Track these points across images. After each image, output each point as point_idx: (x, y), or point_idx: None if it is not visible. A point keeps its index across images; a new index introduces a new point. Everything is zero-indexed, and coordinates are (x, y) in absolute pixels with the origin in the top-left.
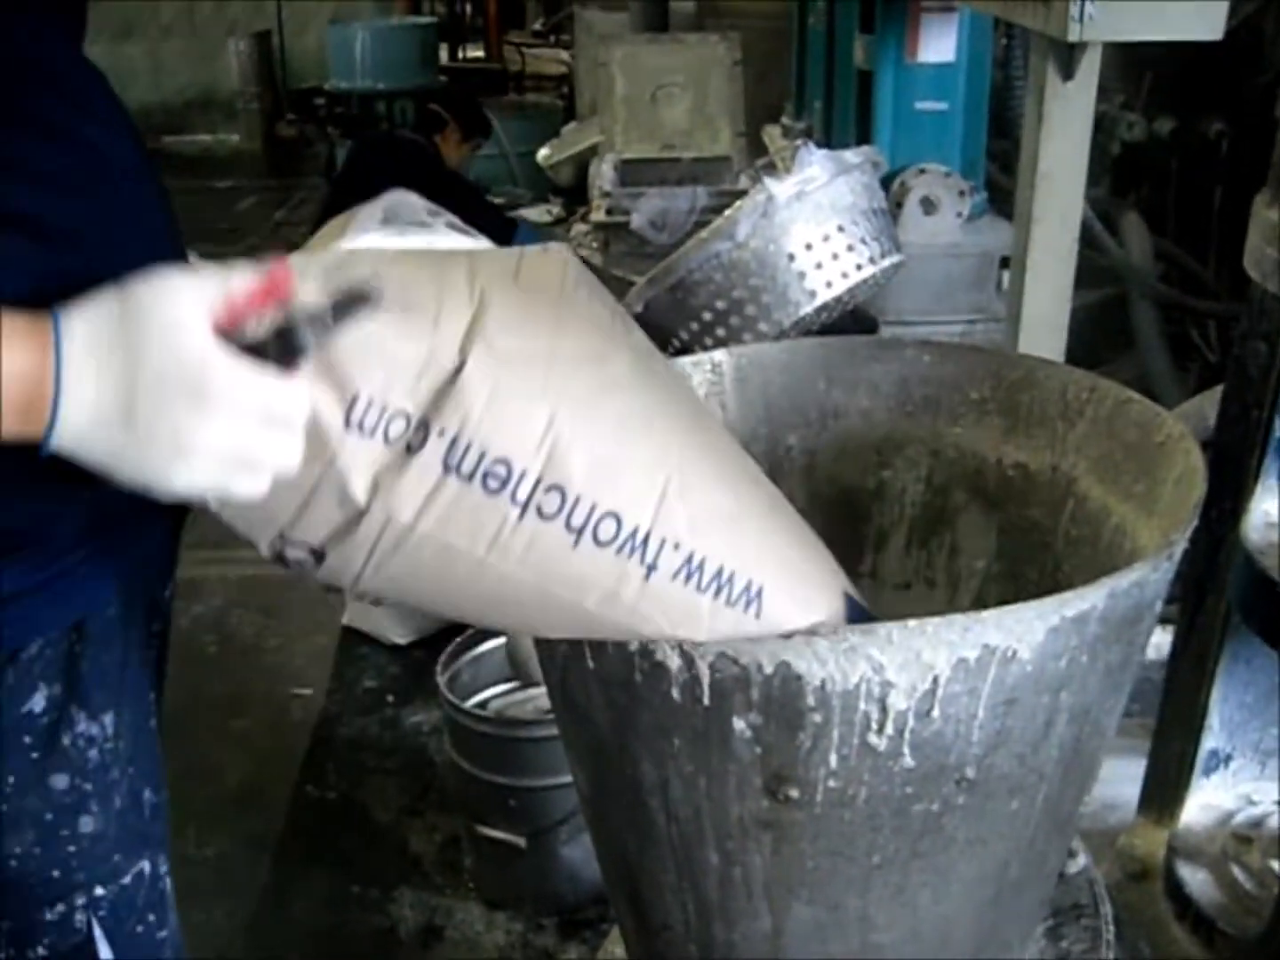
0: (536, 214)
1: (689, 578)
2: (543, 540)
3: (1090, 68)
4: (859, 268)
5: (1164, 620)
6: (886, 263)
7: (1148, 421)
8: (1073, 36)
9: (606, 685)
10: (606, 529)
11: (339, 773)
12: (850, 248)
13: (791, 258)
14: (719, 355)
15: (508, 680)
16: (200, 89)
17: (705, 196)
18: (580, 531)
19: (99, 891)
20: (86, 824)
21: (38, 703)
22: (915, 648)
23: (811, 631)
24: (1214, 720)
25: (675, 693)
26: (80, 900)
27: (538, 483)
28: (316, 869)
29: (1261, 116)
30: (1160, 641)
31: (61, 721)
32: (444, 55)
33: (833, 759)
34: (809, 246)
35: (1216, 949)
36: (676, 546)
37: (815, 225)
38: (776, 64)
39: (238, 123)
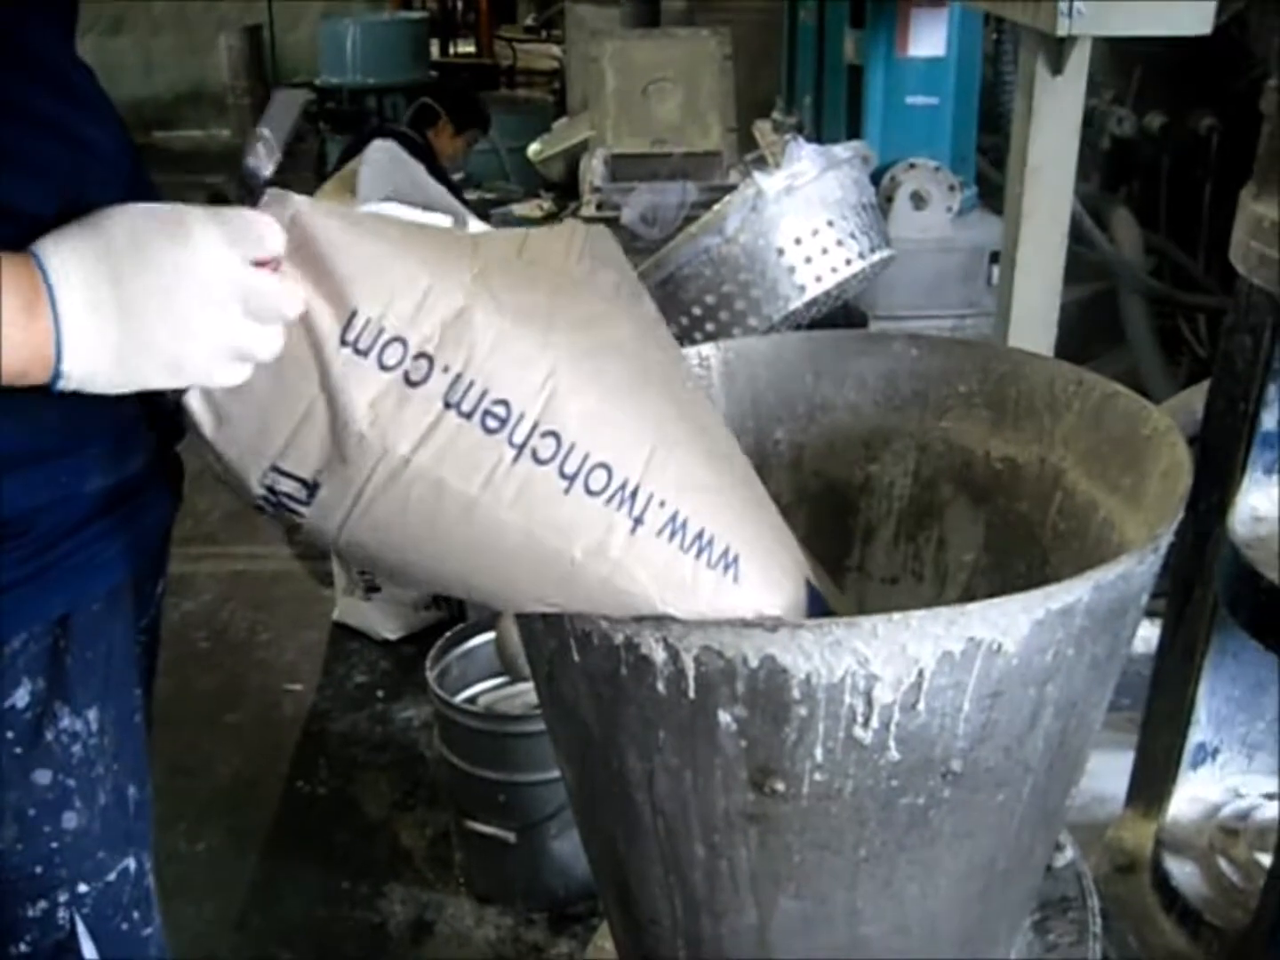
0: (527, 209)
1: (673, 535)
2: (535, 484)
3: (1080, 62)
4: (848, 262)
5: (1151, 614)
6: (876, 257)
7: (1134, 415)
8: (1062, 31)
9: (592, 679)
10: (598, 479)
11: (329, 768)
12: (839, 242)
13: (781, 252)
14: (706, 349)
15: (497, 675)
16: (191, 84)
17: (695, 192)
18: (572, 479)
19: (82, 888)
20: (70, 820)
21: (21, 697)
22: (900, 641)
23: (797, 624)
24: (1201, 714)
25: (660, 686)
26: (63, 897)
27: (535, 426)
28: (307, 864)
29: (1251, 111)
30: (1148, 635)
31: (45, 716)
32: (435, 50)
33: (818, 752)
34: (798, 241)
35: (1203, 941)
36: (662, 504)
37: (804, 220)
38: (767, 59)
39: (228, 118)
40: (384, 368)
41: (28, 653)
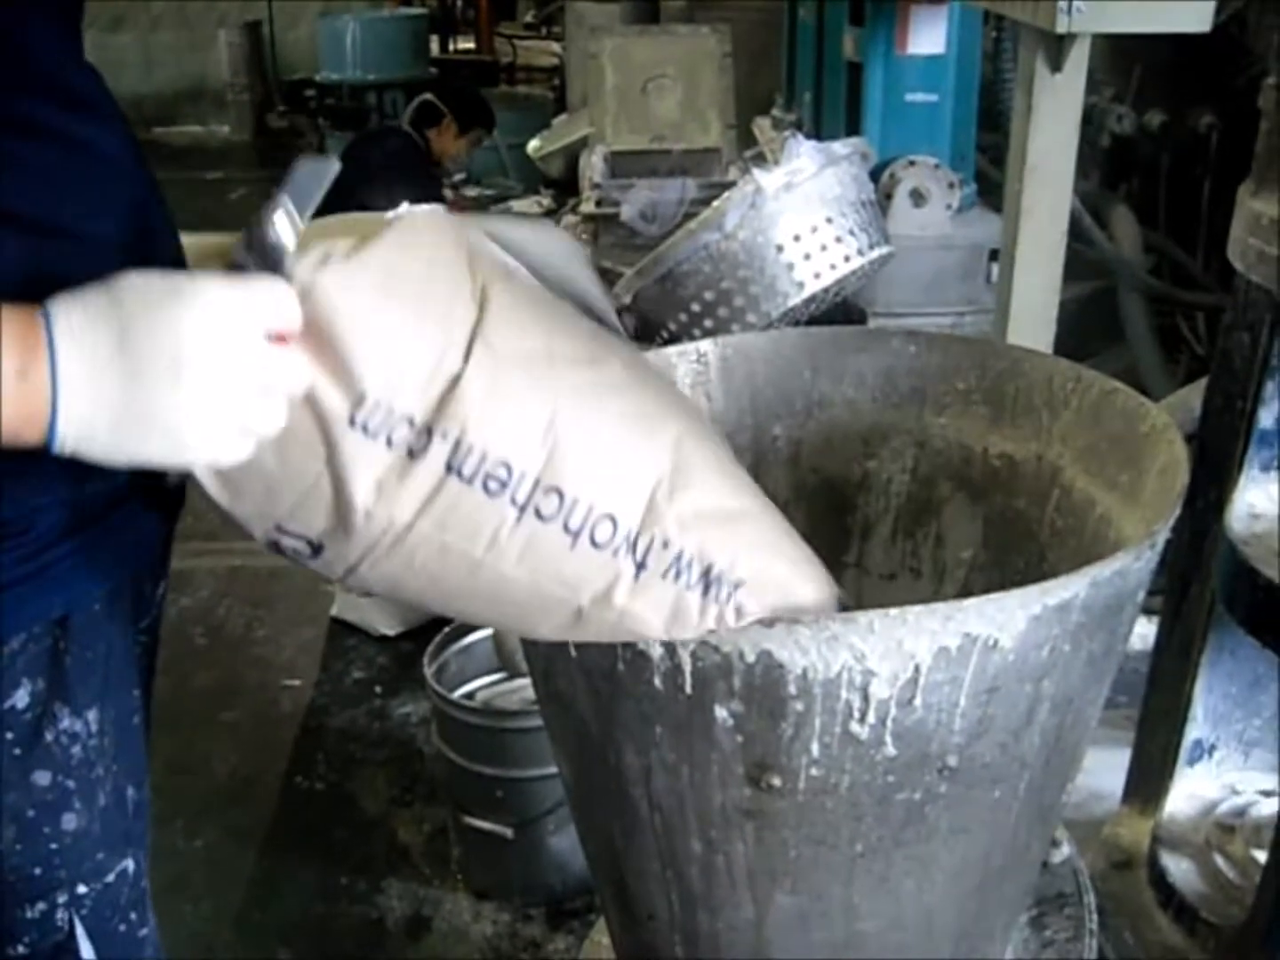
0: (527, 205)
1: (678, 576)
2: (539, 541)
3: (1079, 60)
4: (847, 259)
5: (1149, 611)
6: (875, 254)
7: (1132, 412)
8: (1061, 28)
9: (589, 675)
10: (602, 531)
11: (327, 764)
12: (838, 239)
13: (780, 249)
14: (705, 345)
15: (495, 671)
16: (191, 80)
17: (695, 188)
18: (577, 534)
19: (81, 890)
20: (69, 821)
21: (20, 698)
22: (897, 636)
23: (793, 620)
24: (1198, 710)
25: (658, 681)
26: (62, 898)
27: (536, 484)
28: (305, 860)
29: (1251, 109)
30: (1145, 632)
31: (44, 717)
32: (435, 47)
33: (815, 747)
34: (797, 238)
35: (1199, 938)
36: (666, 544)
37: (803, 217)
38: (767, 56)
39: (228, 114)
40: (390, 445)
41: (27, 653)
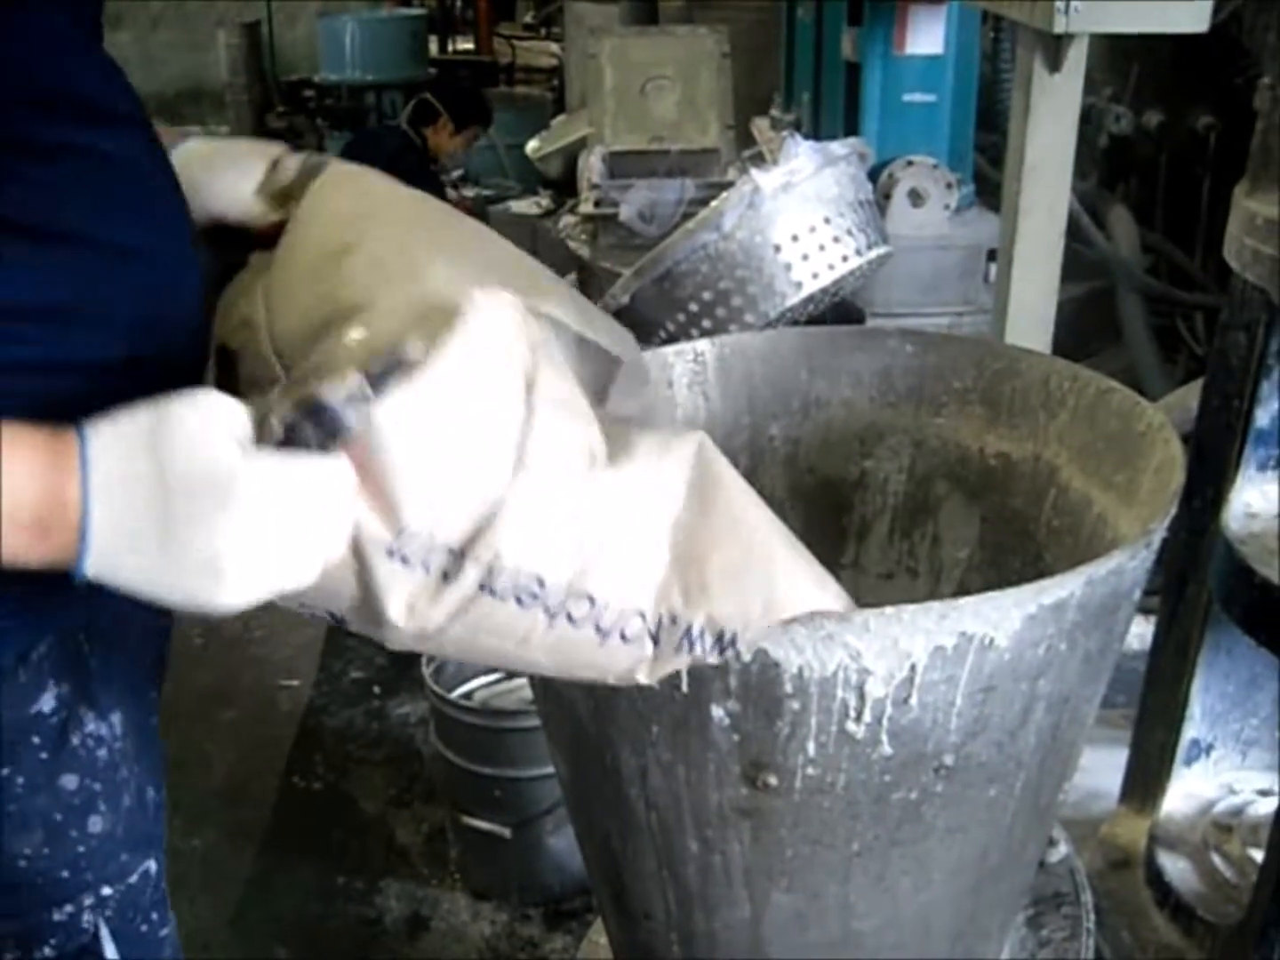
0: (525, 206)
1: (691, 647)
2: (570, 640)
3: (1077, 60)
4: (845, 259)
5: (1146, 610)
6: (873, 254)
7: (1128, 411)
8: (1059, 28)
9: None
10: (633, 626)
11: (325, 764)
12: (837, 239)
13: (778, 249)
14: (702, 345)
15: (493, 671)
16: (190, 80)
17: (693, 188)
18: (607, 633)
19: (106, 891)
20: (95, 824)
21: (47, 702)
22: (892, 635)
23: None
24: (1195, 710)
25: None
26: (88, 900)
27: (569, 591)
28: (303, 860)
29: (1248, 109)
30: (1142, 632)
31: (70, 721)
32: (434, 47)
33: (811, 747)
34: (795, 238)
35: (1196, 937)
36: (673, 619)
37: (801, 216)
38: (765, 57)
39: (227, 114)
40: (427, 571)
41: (52, 657)
